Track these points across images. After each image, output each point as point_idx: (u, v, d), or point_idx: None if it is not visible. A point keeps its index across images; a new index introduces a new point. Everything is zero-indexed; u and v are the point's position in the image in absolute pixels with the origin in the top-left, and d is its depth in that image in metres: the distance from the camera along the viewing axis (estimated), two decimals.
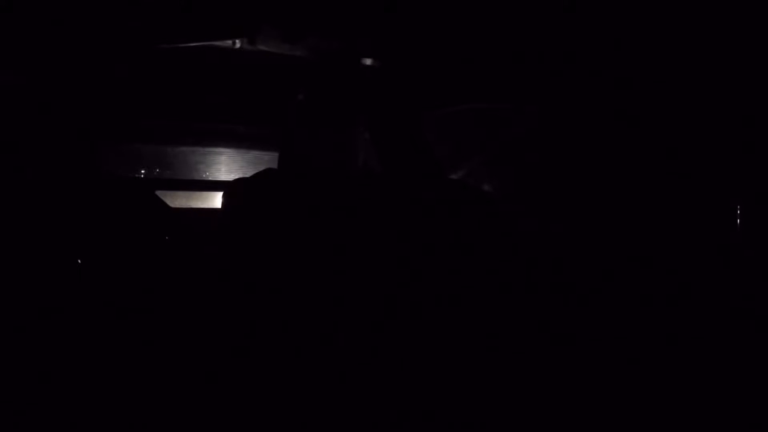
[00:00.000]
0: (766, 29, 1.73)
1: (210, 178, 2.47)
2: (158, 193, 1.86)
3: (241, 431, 1.24)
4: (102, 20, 1.53)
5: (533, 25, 1.79)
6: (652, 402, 1.58)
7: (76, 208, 1.46)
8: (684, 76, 1.88)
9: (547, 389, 1.42)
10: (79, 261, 1.40)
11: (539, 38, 1.84)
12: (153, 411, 1.31)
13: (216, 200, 2.15)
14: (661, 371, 1.64)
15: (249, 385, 1.25)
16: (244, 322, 1.29)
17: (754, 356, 1.66)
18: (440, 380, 1.28)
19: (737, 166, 1.87)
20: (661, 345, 1.69)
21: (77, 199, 1.48)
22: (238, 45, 1.68)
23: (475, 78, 1.98)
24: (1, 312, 1.28)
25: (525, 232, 1.71)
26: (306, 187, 1.40)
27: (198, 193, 2.31)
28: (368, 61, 1.85)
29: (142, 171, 2.35)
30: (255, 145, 2.34)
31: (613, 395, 1.56)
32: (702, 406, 1.59)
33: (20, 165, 1.43)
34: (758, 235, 1.82)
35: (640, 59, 1.89)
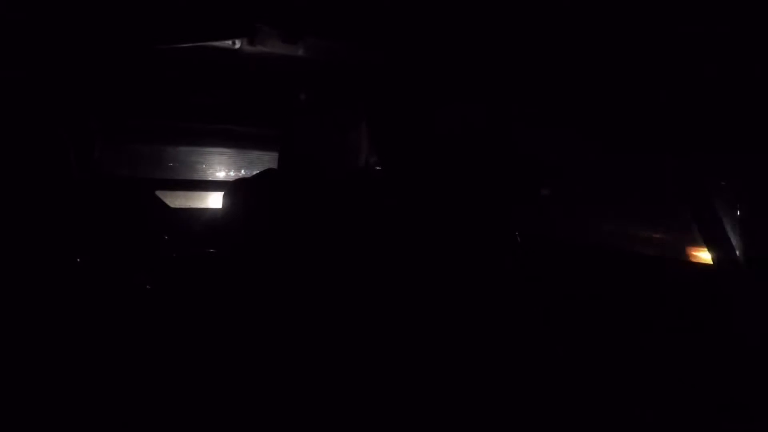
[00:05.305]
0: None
1: (210, 178, 2.47)
2: (158, 193, 1.86)
3: (241, 431, 1.24)
4: (102, 20, 1.53)
5: (534, 25, 1.79)
6: (651, 402, 1.58)
7: (76, 208, 1.45)
8: (683, 75, 1.88)
9: (544, 388, 1.42)
10: (79, 260, 1.40)
11: (541, 38, 1.84)
12: (153, 410, 1.31)
13: (216, 200, 2.15)
14: (660, 371, 1.64)
15: (249, 384, 1.25)
16: (244, 321, 1.30)
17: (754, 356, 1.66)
18: (439, 379, 1.28)
19: (738, 167, 1.86)
20: (660, 345, 1.69)
21: (77, 199, 1.48)
22: (238, 45, 1.68)
23: (477, 78, 1.98)
24: (1, 311, 1.28)
25: (525, 231, 1.71)
26: (306, 187, 1.40)
27: (198, 193, 2.31)
28: (369, 61, 1.84)
29: (142, 171, 2.34)
30: (255, 145, 2.34)
31: (612, 395, 1.56)
32: (701, 405, 1.59)
33: (20, 165, 1.43)
34: (758, 235, 1.82)
35: (639, 59, 1.89)
